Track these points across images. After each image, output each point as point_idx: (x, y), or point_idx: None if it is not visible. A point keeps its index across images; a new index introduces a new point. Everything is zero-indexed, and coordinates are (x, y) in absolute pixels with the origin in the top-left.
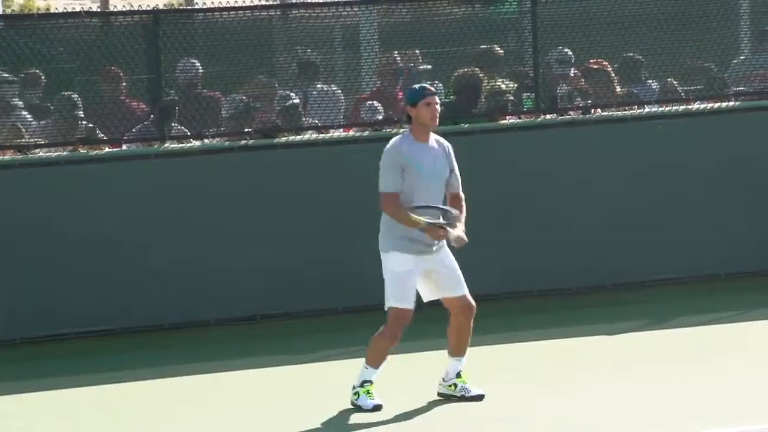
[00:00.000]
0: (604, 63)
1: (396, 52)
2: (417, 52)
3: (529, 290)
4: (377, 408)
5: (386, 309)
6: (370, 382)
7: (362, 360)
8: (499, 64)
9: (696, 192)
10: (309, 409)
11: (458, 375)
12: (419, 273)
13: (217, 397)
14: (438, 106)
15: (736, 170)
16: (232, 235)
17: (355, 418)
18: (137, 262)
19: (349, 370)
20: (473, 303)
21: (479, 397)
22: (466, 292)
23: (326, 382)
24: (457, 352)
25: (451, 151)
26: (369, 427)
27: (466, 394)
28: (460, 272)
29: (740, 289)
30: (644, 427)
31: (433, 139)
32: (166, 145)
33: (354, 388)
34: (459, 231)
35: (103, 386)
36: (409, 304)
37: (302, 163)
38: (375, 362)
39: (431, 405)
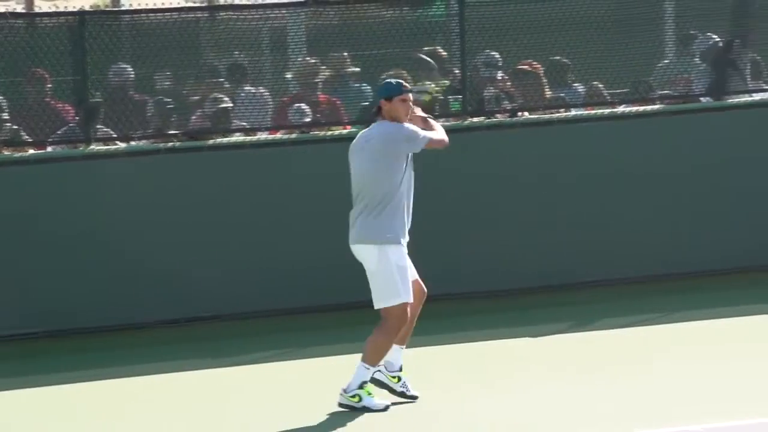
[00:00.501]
0: (535, 65)
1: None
2: (345, 54)
3: (465, 292)
4: (387, 407)
5: (390, 305)
6: (367, 382)
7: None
8: (427, 67)
9: (622, 194)
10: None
11: (401, 368)
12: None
13: (165, 397)
14: (411, 104)
15: (662, 172)
16: (160, 236)
17: (307, 419)
18: (63, 263)
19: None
20: (425, 289)
21: (414, 398)
22: (417, 276)
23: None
24: (402, 339)
25: None
26: (314, 428)
27: (406, 392)
28: None
29: (667, 291)
30: (579, 428)
31: None
32: (92, 147)
33: (350, 391)
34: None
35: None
36: (411, 298)
37: (230, 165)
38: (376, 361)
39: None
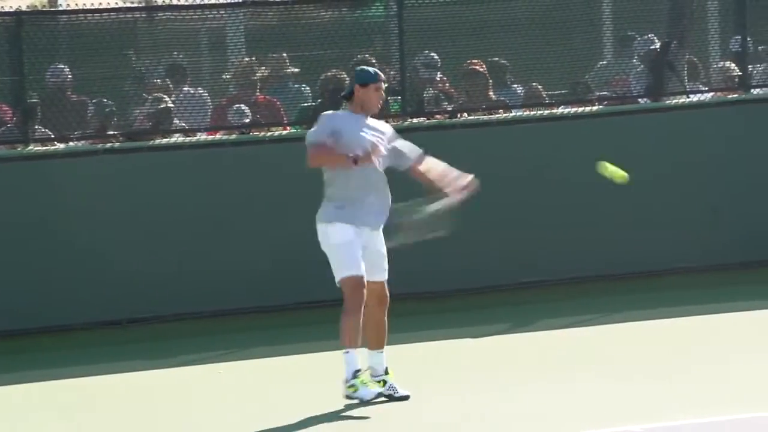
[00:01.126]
0: (481, 64)
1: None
2: (284, 55)
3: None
4: (379, 395)
5: (338, 284)
6: (360, 370)
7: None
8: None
9: (560, 195)
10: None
11: (387, 371)
12: (361, 245)
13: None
14: (383, 94)
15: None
16: (97, 238)
17: (285, 416)
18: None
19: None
20: (386, 294)
21: (405, 398)
22: (383, 279)
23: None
24: (377, 344)
25: (393, 133)
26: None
27: (395, 394)
28: (386, 259)
29: (597, 293)
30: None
31: (374, 121)
32: (30, 147)
33: (347, 382)
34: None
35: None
36: (360, 271)
37: (169, 166)
38: (351, 341)
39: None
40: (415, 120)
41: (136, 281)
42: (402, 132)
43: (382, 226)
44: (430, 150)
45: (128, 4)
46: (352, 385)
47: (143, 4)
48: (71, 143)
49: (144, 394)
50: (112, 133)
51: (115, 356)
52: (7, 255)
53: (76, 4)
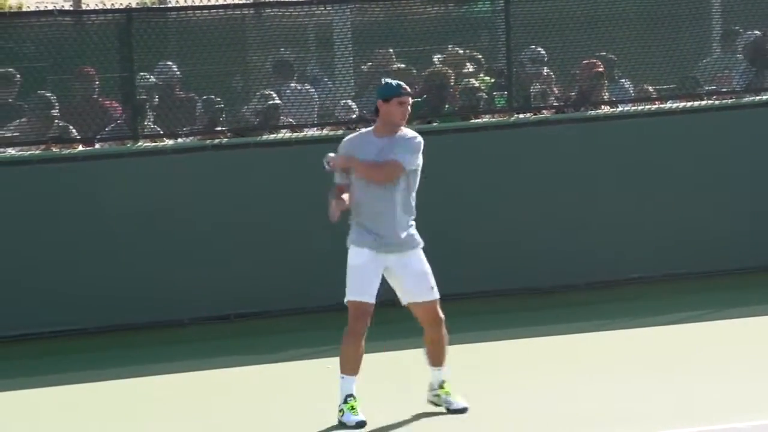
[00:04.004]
0: (598, 63)
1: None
2: (391, 51)
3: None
4: (360, 425)
5: (345, 300)
6: (353, 396)
7: None
8: (473, 62)
9: (670, 190)
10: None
11: (441, 386)
12: (379, 270)
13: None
14: (409, 108)
15: (713, 168)
16: (205, 233)
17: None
18: (112, 260)
19: None
20: (438, 313)
21: (463, 410)
22: (429, 299)
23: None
24: (433, 361)
25: (418, 145)
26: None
27: (450, 407)
28: (428, 278)
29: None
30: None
31: (402, 133)
32: (139, 143)
33: (339, 405)
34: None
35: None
36: (366, 297)
37: (276, 161)
38: (347, 369)
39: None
40: (521, 115)
41: (243, 276)
42: (508, 127)
43: (418, 246)
44: (536, 146)
45: (237, 1)
46: (340, 410)
47: (251, 1)
48: (180, 139)
49: (252, 389)
50: (220, 129)
51: (224, 351)
52: (115, 249)
53: (185, 1)
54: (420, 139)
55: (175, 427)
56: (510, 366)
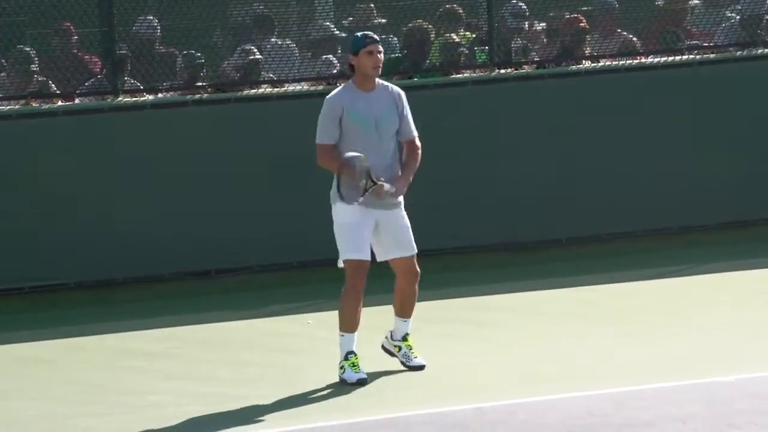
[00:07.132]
0: (581, 18)
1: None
2: (372, 5)
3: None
4: (361, 382)
5: (340, 265)
6: (353, 353)
7: None
8: (454, 19)
9: (648, 145)
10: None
11: (404, 338)
12: (370, 226)
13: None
14: (381, 55)
15: (692, 122)
16: (185, 188)
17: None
18: (92, 215)
19: None
20: (416, 270)
21: (420, 367)
22: (410, 253)
23: None
24: (401, 312)
25: (403, 98)
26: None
27: (407, 362)
28: (409, 234)
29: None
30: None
31: (381, 87)
32: (119, 98)
33: (340, 362)
34: (386, 185)
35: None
36: (364, 255)
37: (257, 116)
38: (347, 327)
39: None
40: (502, 71)
41: (224, 230)
42: (490, 82)
43: (400, 200)
44: (518, 101)
45: None
46: (341, 366)
47: None
48: (160, 95)
49: (234, 344)
50: (200, 84)
51: (204, 307)
52: (95, 204)
53: None
54: (397, 89)
55: (155, 382)
56: (488, 322)
